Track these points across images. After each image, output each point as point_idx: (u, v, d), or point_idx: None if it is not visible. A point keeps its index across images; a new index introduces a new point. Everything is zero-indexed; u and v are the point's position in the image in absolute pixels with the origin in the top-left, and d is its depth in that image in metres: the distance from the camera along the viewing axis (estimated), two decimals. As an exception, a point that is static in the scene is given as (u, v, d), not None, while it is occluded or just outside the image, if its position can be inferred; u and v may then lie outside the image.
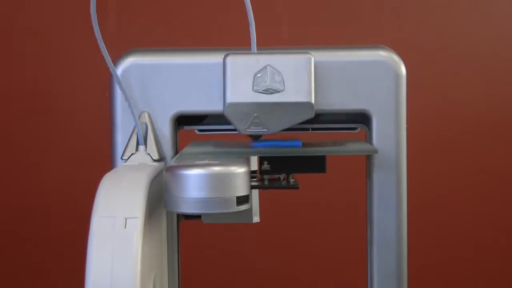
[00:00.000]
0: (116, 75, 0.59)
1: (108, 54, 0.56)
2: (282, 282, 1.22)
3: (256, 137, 0.60)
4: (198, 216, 0.63)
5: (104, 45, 0.56)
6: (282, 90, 0.57)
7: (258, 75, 0.57)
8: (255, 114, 0.57)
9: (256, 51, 0.59)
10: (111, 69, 0.58)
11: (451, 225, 1.21)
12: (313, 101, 0.57)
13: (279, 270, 1.22)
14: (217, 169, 0.52)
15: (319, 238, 1.21)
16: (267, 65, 0.57)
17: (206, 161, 0.53)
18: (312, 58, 0.58)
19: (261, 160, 0.58)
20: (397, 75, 0.60)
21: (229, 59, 0.58)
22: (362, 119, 0.61)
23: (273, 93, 0.57)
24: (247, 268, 1.22)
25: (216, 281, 1.22)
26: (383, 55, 0.60)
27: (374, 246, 0.61)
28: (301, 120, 0.58)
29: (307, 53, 0.58)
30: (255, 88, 0.57)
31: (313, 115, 0.58)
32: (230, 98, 0.57)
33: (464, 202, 1.21)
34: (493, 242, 1.21)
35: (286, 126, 0.58)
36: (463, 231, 1.21)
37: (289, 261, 1.21)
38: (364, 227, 0.62)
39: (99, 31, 0.56)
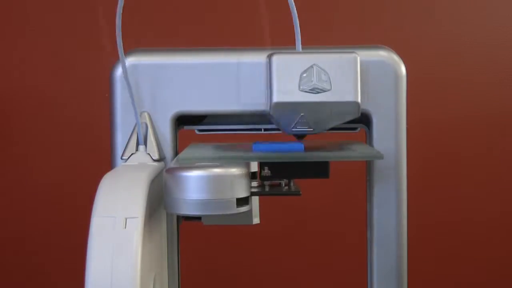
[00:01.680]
0: (125, 70, 0.58)
1: (123, 51, 0.56)
2: (282, 282, 1.22)
3: (301, 137, 0.60)
4: (198, 218, 0.62)
5: (122, 43, 0.55)
6: (329, 90, 0.57)
7: (304, 74, 0.57)
8: (302, 114, 0.57)
9: (301, 50, 0.59)
10: (122, 66, 0.57)
11: (451, 225, 1.21)
12: (359, 101, 0.57)
13: (280, 271, 1.22)
14: (217, 170, 0.51)
15: (319, 239, 1.21)
16: (314, 64, 0.57)
17: (206, 163, 0.53)
18: (358, 58, 0.57)
19: (261, 165, 0.57)
20: (397, 75, 0.60)
21: (275, 58, 0.57)
22: (362, 119, 0.61)
23: (319, 92, 0.57)
24: (247, 268, 1.21)
25: (216, 281, 1.22)
26: (383, 55, 0.60)
27: (374, 247, 0.61)
28: (347, 120, 0.57)
29: (353, 52, 0.57)
30: (301, 87, 0.57)
31: (359, 114, 0.57)
32: (276, 98, 0.56)
33: (464, 202, 1.21)
34: (494, 242, 1.21)
35: (331, 126, 0.57)
36: (463, 231, 1.21)
37: (289, 262, 1.21)
38: (364, 227, 0.62)
39: (120, 30, 0.55)
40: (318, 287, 1.22)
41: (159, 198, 0.54)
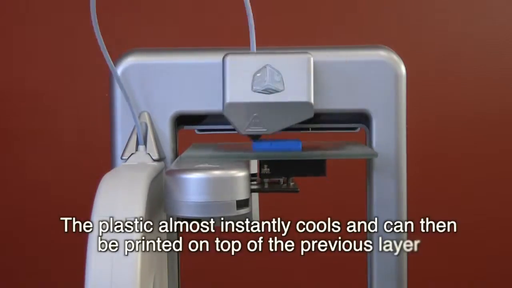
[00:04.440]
0: (116, 74, 0.59)
1: (108, 53, 0.56)
2: (282, 283, 1.22)
3: (255, 137, 0.60)
4: (198, 220, 0.62)
5: (104, 44, 0.56)
6: (282, 90, 0.57)
7: (258, 74, 0.57)
8: (255, 114, 0.57)
9: (255, 50, 0.59)
10: (111, 68, 0.58)
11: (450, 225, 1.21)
12: (312, 101, 0.57)
13: (279, 272, 1.22)
14: (217, 173, 0.51)
15: (319, 239, 1.21)
16: (267, 64, 0.57)
17: (206, 165, 0.53)
18: (311, 58, 0.57)
19: (261, 164, 0.58)
20: (397, 75, 0.60)
21: (228, 59, 0.58)
22: (362, 119, 0.61)
23: (272, 92, 0.57)
24: (246, 270, 1.21)
25: (216, 282, 1.22)
26: (383, 55, 0.60)
27: (374, 246, 0.61)
28: (301, 120, 0.58)
29: (306, 52, 0.58)
30: (254, 88, 0.57)
31: (312, 114, 0.58)
32: (229, 98, 0.57)
33: (464, 201, 1.21)
34: (493, 242, 1.21)
35: (285, 126, 0.58)
36: (463, 231, 1.21)
37: (289, 263, 1.21)
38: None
39: (99, 30, 0.56)
40: (318, 287, 1.22)
41: (159, 198, 0.54)
